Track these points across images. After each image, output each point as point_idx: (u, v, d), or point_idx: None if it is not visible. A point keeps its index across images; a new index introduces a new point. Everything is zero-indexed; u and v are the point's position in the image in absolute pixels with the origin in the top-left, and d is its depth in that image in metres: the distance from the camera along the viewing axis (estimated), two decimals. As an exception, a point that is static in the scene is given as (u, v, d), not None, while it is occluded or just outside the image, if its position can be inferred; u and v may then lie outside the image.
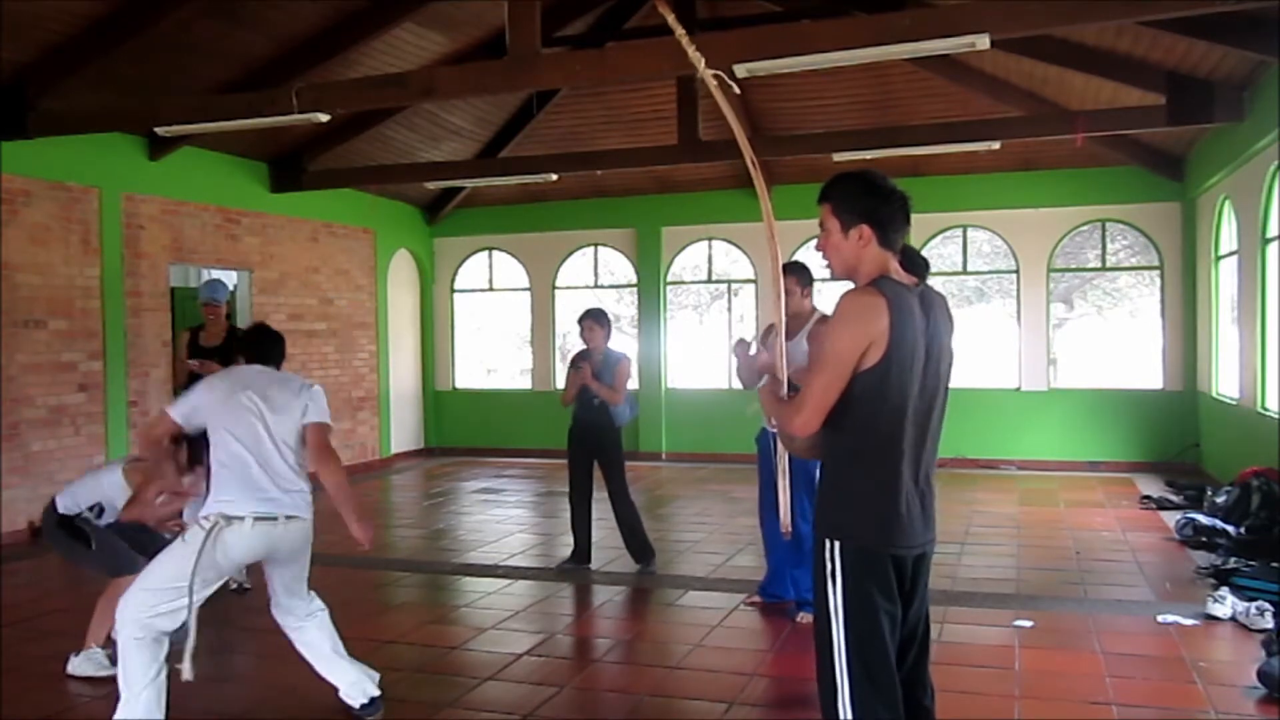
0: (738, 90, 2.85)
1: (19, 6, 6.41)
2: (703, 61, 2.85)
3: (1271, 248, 7.87)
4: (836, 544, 2.52)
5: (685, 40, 2.86)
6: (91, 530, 4.48)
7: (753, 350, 2.87)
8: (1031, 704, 3.76)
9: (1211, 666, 4.49)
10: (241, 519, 3.60)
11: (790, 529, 3.15)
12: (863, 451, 2.50)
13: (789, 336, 5.14)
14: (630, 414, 6.51)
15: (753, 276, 12.24)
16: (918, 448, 2.54)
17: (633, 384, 12.43)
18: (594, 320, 6.43)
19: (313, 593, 4.05)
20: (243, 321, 10.12)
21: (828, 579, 2.52)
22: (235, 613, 5.53)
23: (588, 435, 6.48)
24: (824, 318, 5.42)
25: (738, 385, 11.97)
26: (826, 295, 12.47)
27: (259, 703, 4.28)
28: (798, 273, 5.24)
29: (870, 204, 2.56)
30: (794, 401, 2.54)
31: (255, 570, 6.17)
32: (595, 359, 6.41)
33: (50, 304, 7.99)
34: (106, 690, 4.37)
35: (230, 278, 10.36)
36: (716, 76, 2.88)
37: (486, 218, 13.02)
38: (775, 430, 2.81)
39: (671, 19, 2.93)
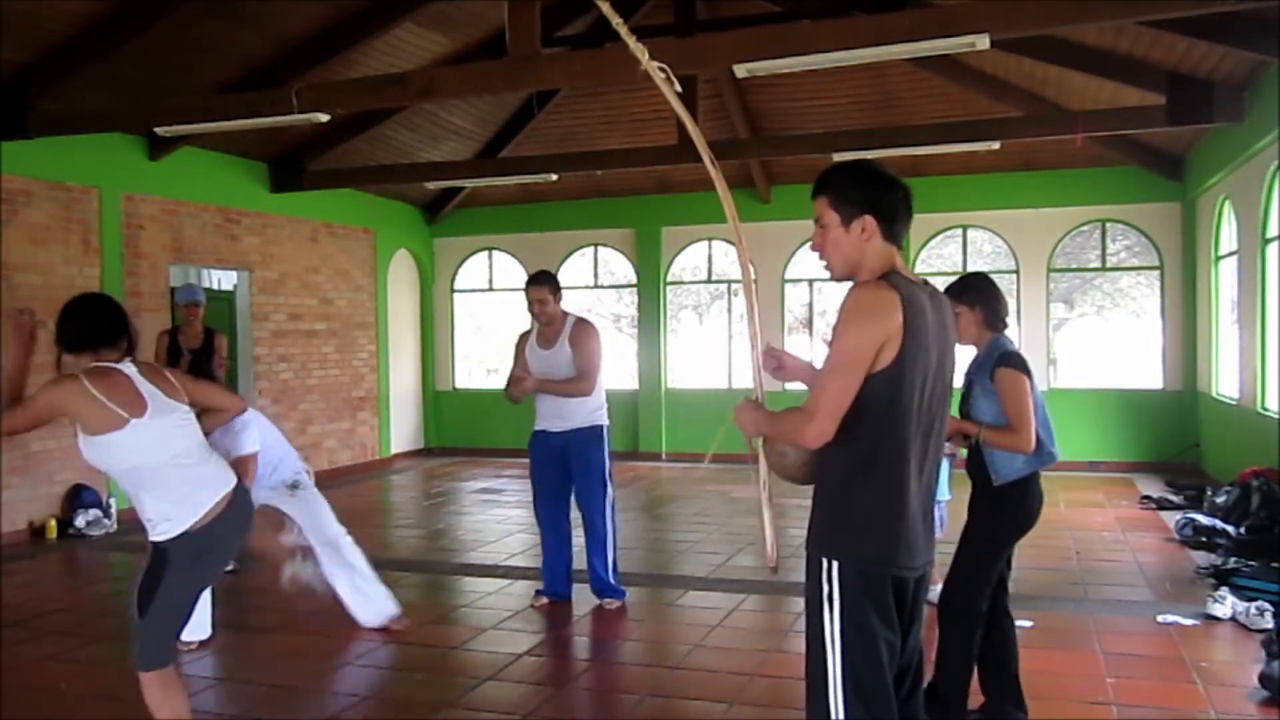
0: (678, 88, 2.73)
1: (19, 6, 6.41)
2: (645, 53, 2.67)
3: (1271, 248, 7.87)
4: (835, 564, 2.31)
5: (624, 30, 2.69)
6: None
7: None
8: (1031, 704, 3.76)
9: (1211, 667, 4.49)
10: None
11: (776, 562, 2.65)
12: (869, 463, 2.29)
13: (549, 344, 5.46)
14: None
15: (752, 276, 12.22)
16: (924, 459, 2.35)
17: (631, 384, 12.51)
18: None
19: None
20: (243, 321, 10.14)
21: (824, 602, 2.31)
22: (235, 613, 5.53)
23: None
24: (579, 320, 5.54)
25: (738, 385, 12.04)
26: (830, 294, 12.31)
27: (260, 702, 4.28)
28: (548, 282, 5.47)
29: (872, 193, 2.35)
30: (803, 410, 2.28)
31: (244, 555, 6.18)
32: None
33: (50, 304, 7.88)
34: (105, 690, 4.37)
35: (230, 277, 10.38)
36: (661, 69, 2.67)
37: (486, 218, 13.02)
38: (759, 449, 2.54)
39: (606, 8, 2.76)
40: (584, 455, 5.52)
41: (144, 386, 3.17)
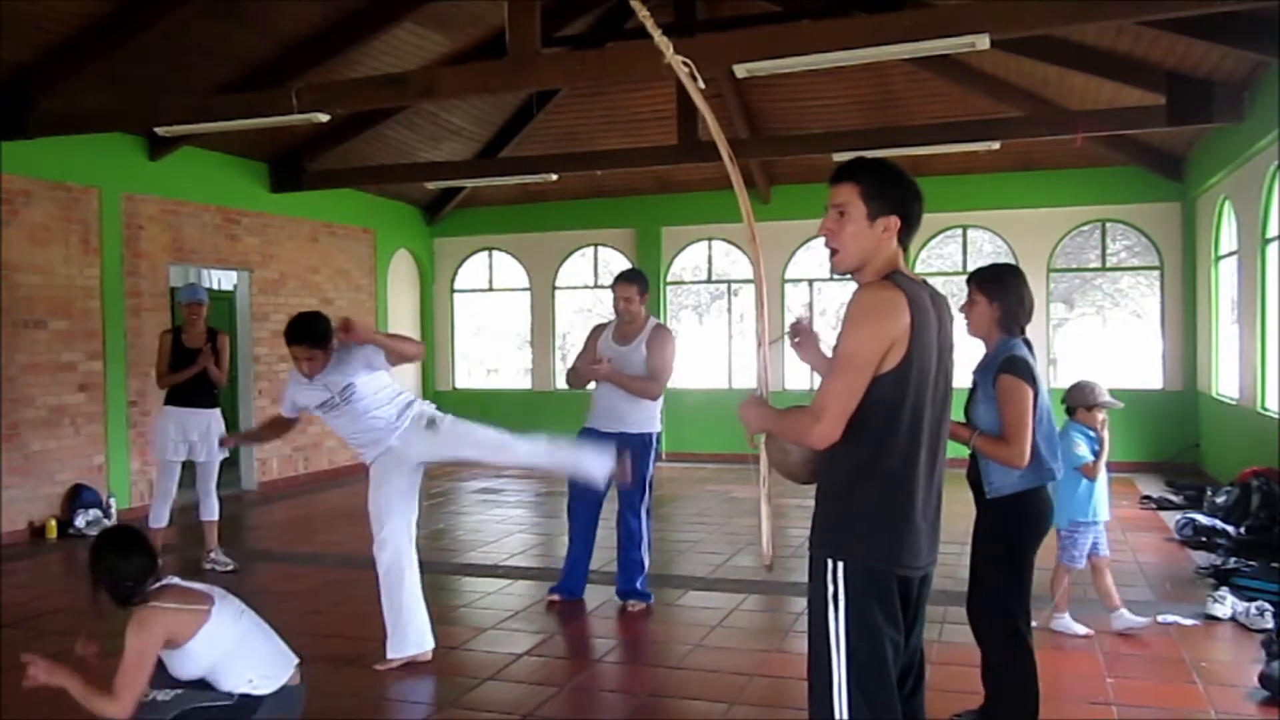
0: (702, 85, 2.70)
1: (19, 6, 6.41)
2: (670, 47, 2.65)
3: (1271, 248, 7.87)
4: (840, 564, 2.31)
5: (650, 23, 2.68)
6: None
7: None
8: (1032, 704, 3.77)
9: (1211, 667, 4.49)
10: None
11: (771, 560, 2.72)
12: (875, 464, 2.29)
13: (626, 341, 5.49)
14: None
15: (752, 276, 12.22)
16: (932, 458, 2.36)
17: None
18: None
19: None
20: (243, 321, 10.14)
21: (829, 602, 2.32)
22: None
23: None
24: (659, 325, 5.56)
25: (738, 385, 12.03)
26: (830, 294, 12.24)
27: (259, 703, 4.27)
28: (637, 280, 5.54)
29: (905, 196, 2.38)
30: (809, 410, 2.28)
31: (245, 556, 6.17)
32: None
33: (50, 304, 7.99)
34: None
35: (230, 277, 10.38)
36: (685, 64, 2.63)
37: (486, 218, 13.02)
38: (761, 446, 2.53)
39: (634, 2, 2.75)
40: (632, 462, 5.43)
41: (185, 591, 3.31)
